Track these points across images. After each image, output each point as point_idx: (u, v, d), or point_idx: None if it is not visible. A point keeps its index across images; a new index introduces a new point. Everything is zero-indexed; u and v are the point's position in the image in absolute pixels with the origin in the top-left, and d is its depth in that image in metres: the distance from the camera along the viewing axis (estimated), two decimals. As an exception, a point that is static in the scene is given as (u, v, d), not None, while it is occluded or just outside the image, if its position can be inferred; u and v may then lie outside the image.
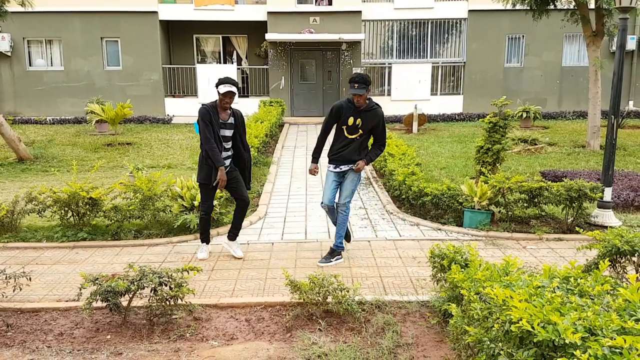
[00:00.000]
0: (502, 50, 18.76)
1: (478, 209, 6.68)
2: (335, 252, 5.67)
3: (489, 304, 2.85)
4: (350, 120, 5.45)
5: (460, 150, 12.39)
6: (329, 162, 5.67)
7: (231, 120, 5.54)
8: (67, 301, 4.65)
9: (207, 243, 5.92)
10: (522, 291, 2.76)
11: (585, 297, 2.78)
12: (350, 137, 5.52)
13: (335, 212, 5.64)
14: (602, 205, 6.72)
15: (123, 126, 16.49)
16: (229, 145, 5.59)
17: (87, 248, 6.24)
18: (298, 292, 4.18)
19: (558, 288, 2.93)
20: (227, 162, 5.62)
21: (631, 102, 18.96)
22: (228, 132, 5.54)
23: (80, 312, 4.36)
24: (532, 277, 3.15)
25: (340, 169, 5.60)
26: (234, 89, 5.34)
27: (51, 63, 18.70)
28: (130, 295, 4.07)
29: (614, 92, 6.71)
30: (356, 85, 5.28)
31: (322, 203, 5.68)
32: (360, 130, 5.48)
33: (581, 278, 3.04)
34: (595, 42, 12.06)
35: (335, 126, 5.60)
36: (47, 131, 16.00)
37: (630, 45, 17.91)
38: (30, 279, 4.46)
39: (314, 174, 5.69)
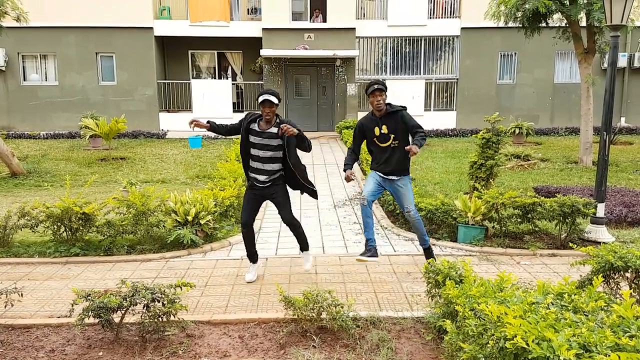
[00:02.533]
0: (495, 67, 18.96)
1: (472, 224, 6.69)
2: (427, 250, 5.80)
3: (484, 320, 2.85)
4: (377, 131, 5.45)
5: (453, 166, 12.44)
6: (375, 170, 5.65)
7: (272, 129, 5.23)
8: (59, 317, 4.60)
9: (253, 262, 5.68)
10: (516, 307, 2.76)
11: (580, 314, 2.79)
12: (383, 145, 5.49)
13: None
14: (595, 221, 6.75)
15: (117, 141, 16.47)
16: (265, 154, 5.26)
17: (79, 263, 6.19)
18: (292, 308, 4.15)
19: (552, 304, 2.93)
20: (263, 176, 5.34)
21: (623, 119, 19.15)
22: (264, 141, 5.23)
23: (72, 329, 4.31)
24: (526, 293, 3.15)
25: (387, 177, 5.56)
26: (271, 97, 5.08)
27: (46, 78, 18.72)
28: (123, 312, 4.04)
29: (606, 108, 6.77)
30: (375, 85, 5.32)
31: (362, 196, 5.59)
32: (391, 136, 5.43)
33: (575, 294, 3.04)
34: (587, 59, 12.20)
35: (367, 144, 5.64)
36: (41, 146, 15.96)
37: (622, 62, 18.12)
38: (22, 294, 4.42)
39: (350, 180, 5.54)
